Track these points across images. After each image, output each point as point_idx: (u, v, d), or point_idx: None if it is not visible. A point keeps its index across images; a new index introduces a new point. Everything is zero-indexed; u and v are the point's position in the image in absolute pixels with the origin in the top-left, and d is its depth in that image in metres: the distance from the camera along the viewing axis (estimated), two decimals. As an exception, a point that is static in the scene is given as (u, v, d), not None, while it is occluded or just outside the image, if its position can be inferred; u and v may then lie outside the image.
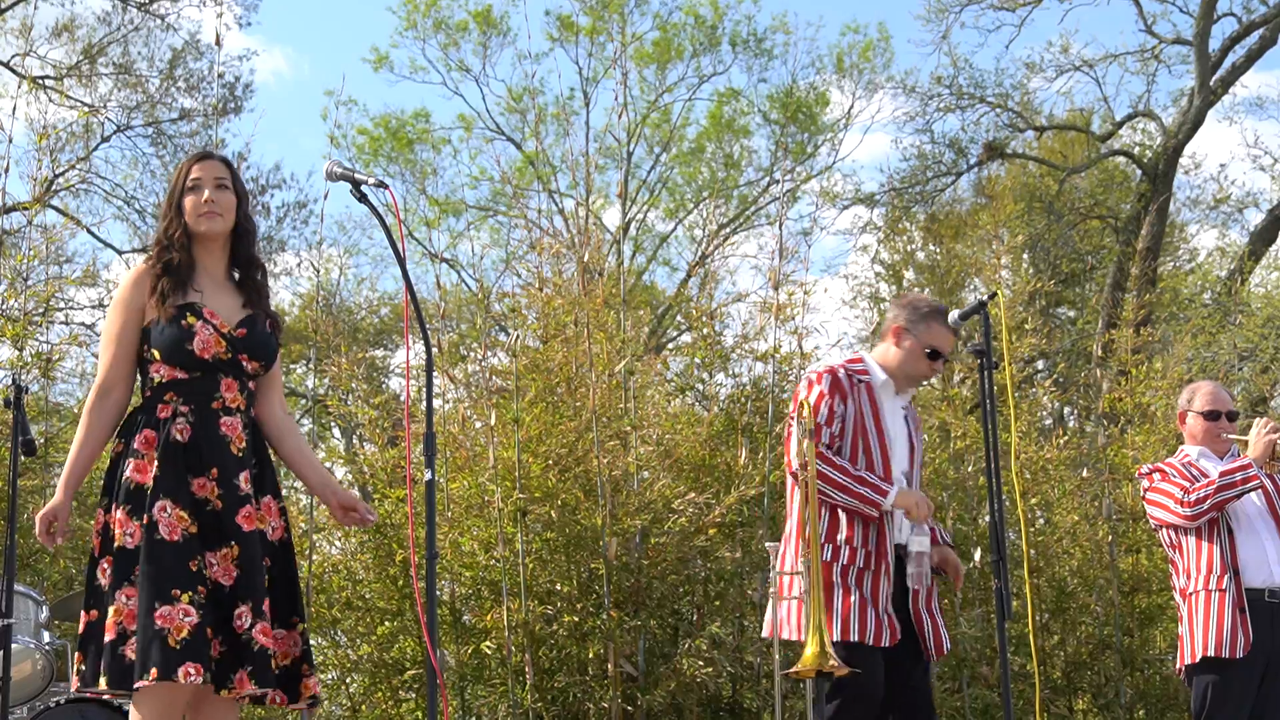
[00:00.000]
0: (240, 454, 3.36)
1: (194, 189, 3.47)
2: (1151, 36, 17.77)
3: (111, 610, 3.17)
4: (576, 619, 6.38)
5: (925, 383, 4.20)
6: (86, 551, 3.58)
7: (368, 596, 6.89)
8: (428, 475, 3.49)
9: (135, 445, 3.29)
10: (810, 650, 3.92)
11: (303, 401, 19.74)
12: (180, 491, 3.25)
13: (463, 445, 7.00)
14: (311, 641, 6.79)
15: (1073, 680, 7.49)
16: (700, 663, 6.46)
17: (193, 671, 3.09)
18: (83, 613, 3.26)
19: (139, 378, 3.43)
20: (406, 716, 6.78)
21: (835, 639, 3.97)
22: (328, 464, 8.65)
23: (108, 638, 3.15)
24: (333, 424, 15.78)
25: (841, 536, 4.12)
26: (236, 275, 3.54)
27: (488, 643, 6.43)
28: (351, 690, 6.99)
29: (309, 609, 6.57)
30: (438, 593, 5.43)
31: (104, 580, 3.22)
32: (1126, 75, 25.51)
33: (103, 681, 3.15)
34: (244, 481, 3.34)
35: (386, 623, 6.70)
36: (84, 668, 3.21)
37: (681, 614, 7.06)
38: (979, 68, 23.66)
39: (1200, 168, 22.83)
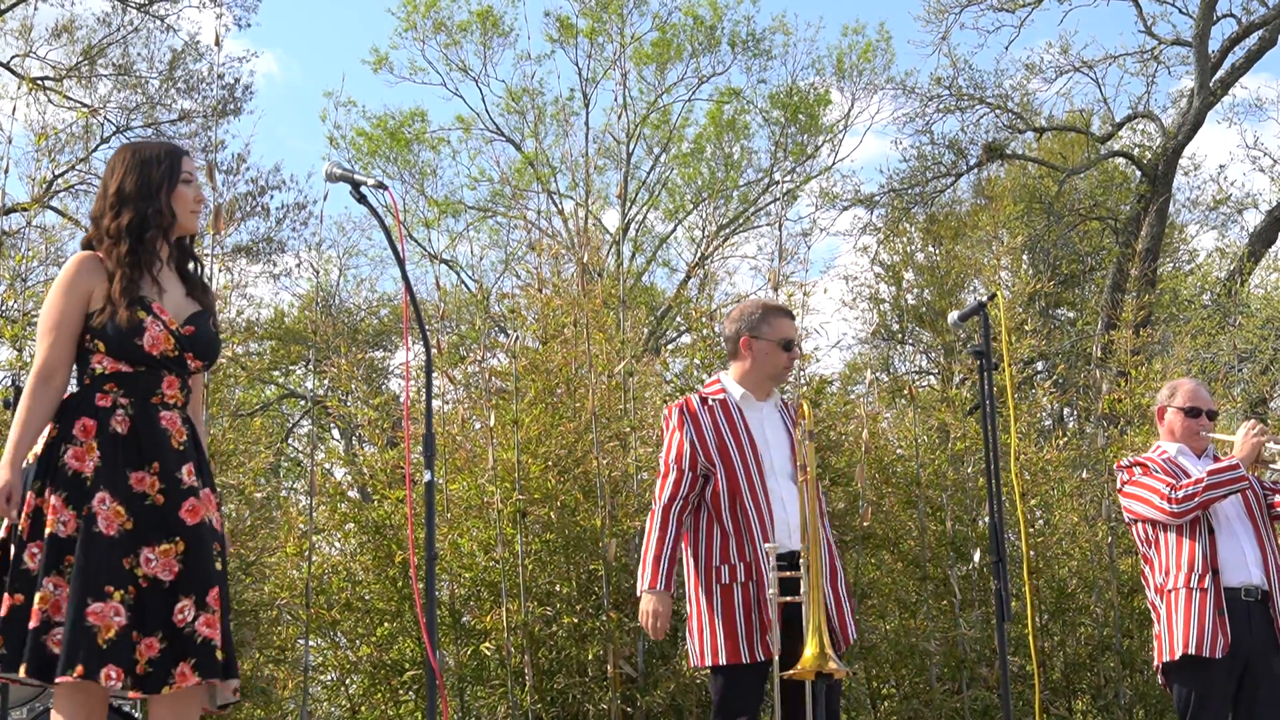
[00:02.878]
0: (181, 448, 3.32)
1: (188, 183, 3.45)
2: (1151, 37, 17.80)
3: (38, 597, 3.11)
4: (576, 620, 6.38)
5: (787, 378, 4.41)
6: None
7: (367, 598, 6.89)
8: (427, 476, 3.49)
9: (74, 432, 3.24)
10: (810, 652, 3.92)
11: (302, 403, 19.75)
12: (119, 484, 3.20)
13: (462, 446, 7.00)
14: (311, 642, 6.83)
15: (1072, 681, 7.49)
16: (700, 664, 6.46)
17: (114, 675, 3.05)
18: (5, 595, 3.16)
19: (77, 365, 3.36)
20: (406, 718, 6.77)
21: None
22: (327, 465, 8.66)
23: (31, 624, 3.10)
24: (332, 425, 15.79)
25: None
26: (189, 268, 3.51)
27: (487, 644, 6.42)
28: (351, 691, 6.99)
29: (308, 610, 6.57)
30: (437, 594, 5.43)
31: (31, 564, 3.16)
32: (1126, 76, 25.61)
33: (23, 669, 3.09)
34: (187, 474, 3.30)
35: (386, 624, 6.70)
36: (4, 652, 3.12)
37: (681, 615, 7.05)
38: (978, 69, 23.72)
39: (1200, 169, 22.91)
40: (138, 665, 3.12)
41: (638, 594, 4.25)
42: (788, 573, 4.05)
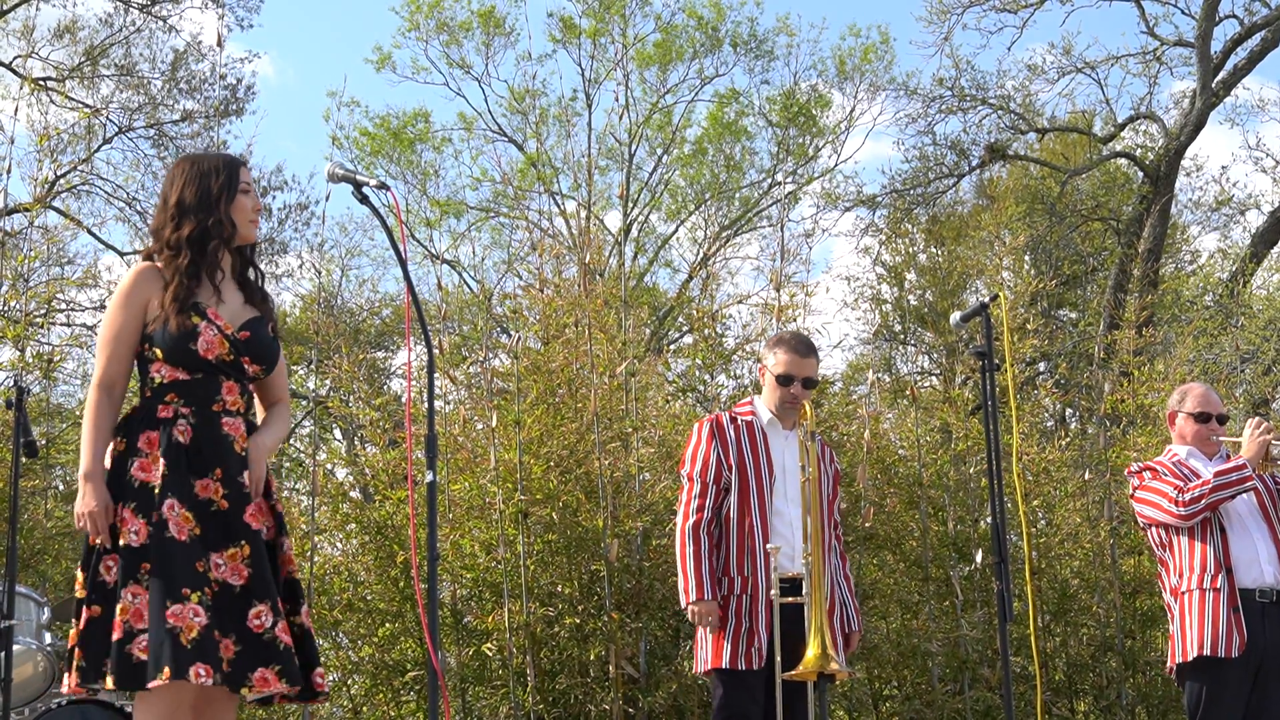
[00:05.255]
0: (243, 453, 3.36)
1: (246, 193, 3.48)
2: (1153, 38, 17.78)
3: (118, 608, 3.15)
4: (578, 621, 6.37)
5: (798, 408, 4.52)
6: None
7: (369, 598, 6.89)
8: (429, 477, 3.49)
9: (139, 445, 3.28)
10: (812, 652, 3.93)
11: (304, 403, 19.71)
12: (185, 492, 3.24)
13: (464, 447, 7.00)
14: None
15: (1074, 682, 7.48)
16: (701, 664, 6.45)
17: (203, 672, 3.08)
18: (84, 609, 3.22)
19: (138, 376, 3.41)
20: (408, 718, 6.77)
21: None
22: (329, 465, 8.66)
23: (114, 636, 3.13)
24: (334, 425, 15.78)
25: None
26: (250, 277, 3.56)
27: (489, 644, 6.42)
28: (353, 692, 6.99)
29: (310, 610, 6.56)
30: (439, 594, 5.43)
31: (108, 577, 3.21)
32: (1128, 77, 25.60)
33: (110, 681, 3.12)
34: (248, 480, 3.35)
35: (387, 624, 6.70)
36: (84, 664, 3.17)
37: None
38: (981, 69, 23.62)
39: (1202, 170, 22.83)
40: (224, 663, 3.16)
41: (683, 609, 4.37)
42: (789, 598, 4.16)
